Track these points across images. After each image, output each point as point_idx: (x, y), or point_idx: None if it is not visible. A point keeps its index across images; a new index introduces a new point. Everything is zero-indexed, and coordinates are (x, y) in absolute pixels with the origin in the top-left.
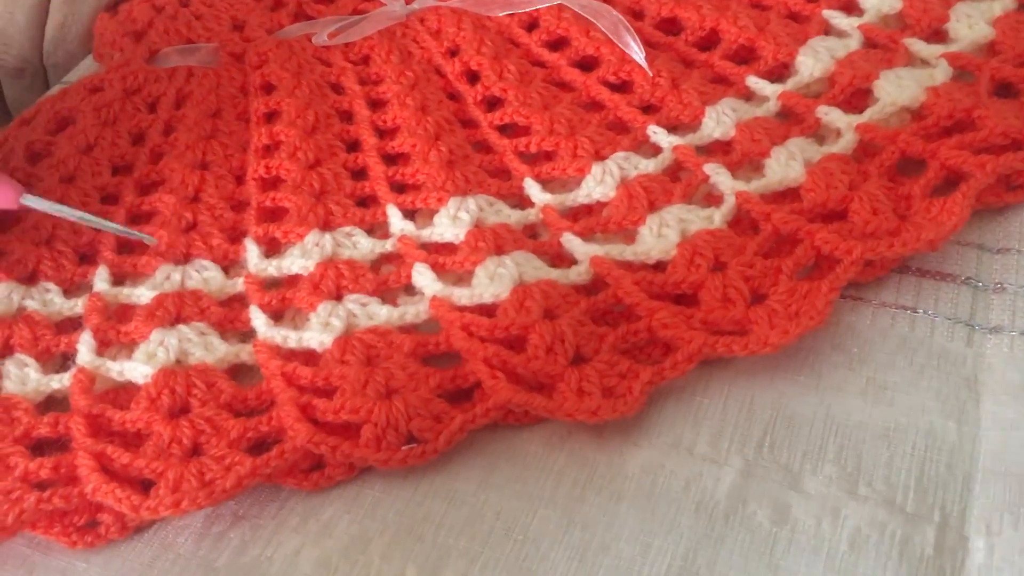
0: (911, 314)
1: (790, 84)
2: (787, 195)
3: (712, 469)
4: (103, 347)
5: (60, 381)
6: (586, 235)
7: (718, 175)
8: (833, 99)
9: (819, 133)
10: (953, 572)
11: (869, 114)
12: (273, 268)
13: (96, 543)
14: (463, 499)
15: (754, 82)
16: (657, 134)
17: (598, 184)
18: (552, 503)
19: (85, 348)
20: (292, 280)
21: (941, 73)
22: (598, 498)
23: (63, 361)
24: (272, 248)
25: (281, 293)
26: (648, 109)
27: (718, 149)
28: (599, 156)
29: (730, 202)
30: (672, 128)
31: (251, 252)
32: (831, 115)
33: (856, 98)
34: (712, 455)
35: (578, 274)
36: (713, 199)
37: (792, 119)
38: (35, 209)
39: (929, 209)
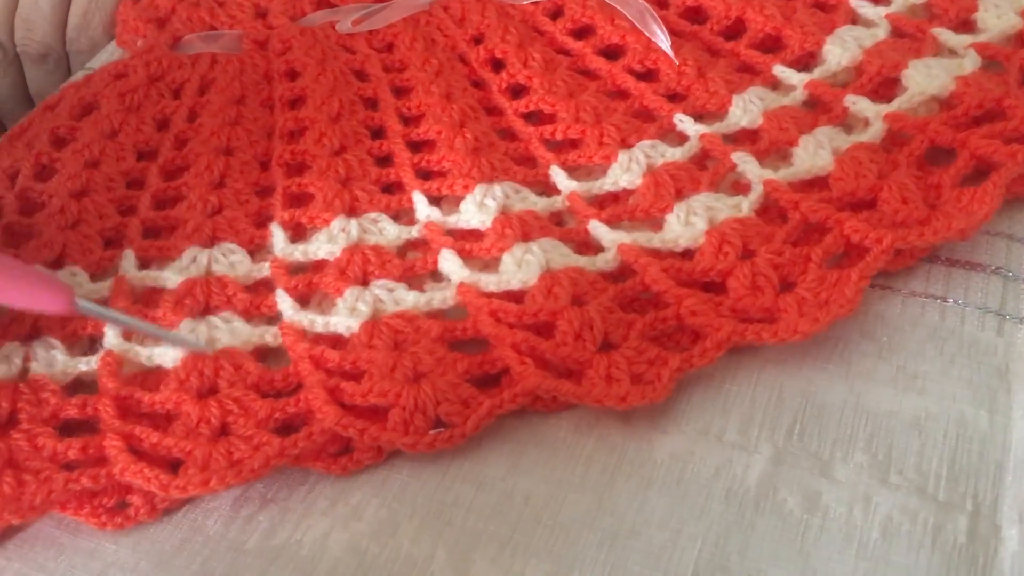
0: (941, 303)
1: (817, 73)
2: (815, 184)
3: (742, 456)
4: (130, 331)
5: (87, 363)
6: (613, 223)
7: (746, 163)
8: (861, 88)
9: (847, 122)
10: (986, 560)
11: (898, 103)
12: (299, 253)
13: (125, 524)
14: (492, 484)
15: (781, 71)
16: (684, 122)
17: (624, 172)
18: (581, 489)
19: (112, 332)
20: (318, 265)
21: (970, 63)
22: (627, 484)
23: (90, 344)
24: (298, 233)
25: (307, 278)
26: (674, 98)
27: (745, 138)
28: (625, 144)
29: (758, 190)
30: (699, 117)
31: (277, 237)
32: (859, 104)
33: (884, 88)
34: (742, 442)
35: (605, 261)
36: (741, 188)
37: (819, 108)
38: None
39: (959, 198)
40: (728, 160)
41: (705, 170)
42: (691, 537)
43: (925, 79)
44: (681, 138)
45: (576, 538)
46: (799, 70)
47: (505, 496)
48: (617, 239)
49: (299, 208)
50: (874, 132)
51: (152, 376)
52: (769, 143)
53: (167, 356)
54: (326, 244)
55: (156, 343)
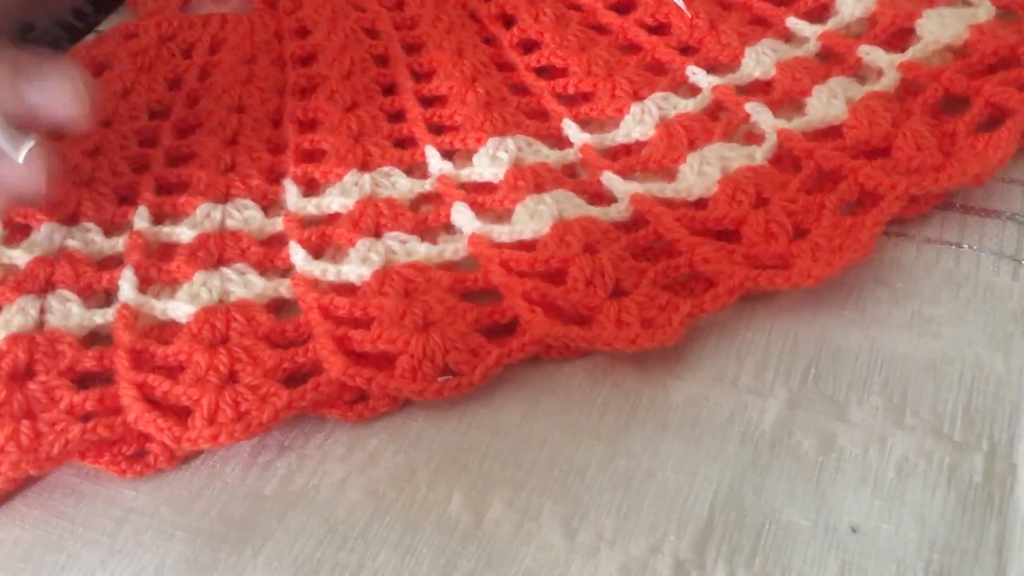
0: (956, 249)
1: (830, 24)
2: (829, 134)
3: (757, 401)
4: (145, 285)
5: (103, 316)
6: (626, 174)
7: (759, 113)
8: (875, 38)
9: (860, 73)
10: (1002, 498)
11: (911, 52)
12: (312, 207)
13: (145, 472)
14: (507, 430)
15: (793, 23)
16: (696, 75)
17: (637, 124)
18: (597, 434)
19: (128, 285)
20: (331, 218)
21: (983, 12)
22: (643, 429)
23: (106, 298)
24: (311, 188)
25: (320, 230)
26: (686, 51)
27: (758, 89)
28: (637, 96)
29: (771, 140)
30: (711, 69)
31: (290, 191)
32: (873, 54)
33: (897, 37)
34: (757, 387)
35: (618, 211)
36: (754, 138)
37: (832, 59)
38: None
39: (974, 145)
40: (741, 111)
41: (718, 121)
42: (706, 478)
43: (939, 28)
44: (693, 90)
45: (592, 481)
46: (812, 22)
47: (521, 442)
48: (630, 189)
49: (312, 163)
50: (888, 82)
51: (166, 329)
52: (782, 93)
53: (180, 311)
54: (339, 198)
55: (171, 297)
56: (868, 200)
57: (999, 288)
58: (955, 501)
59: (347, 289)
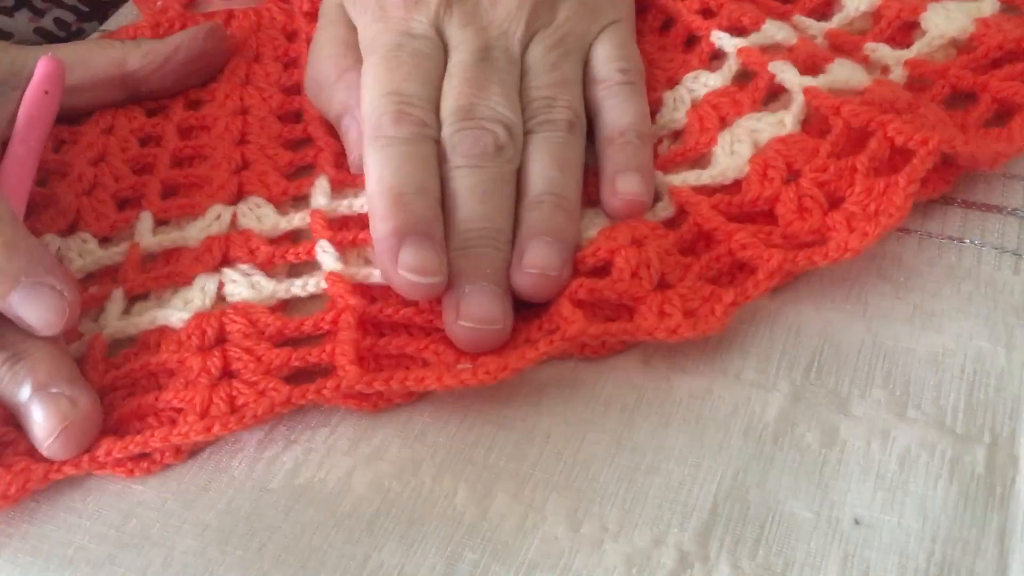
0: (958, 244)
1: (835, 21)
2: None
3: (760, 394)
4: (133, 303)
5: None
6: (667, 169)
7: (784, 72)
8: (880, 34)
9: (867, 70)
10: (1004, 490)
11: (917, 48)
12: (344, 207)
13: (152, 469)
14: (512, 425)
15: (799, 20)
16: (721, 39)
17: (672, 112)
18: (601, 428)
19: (114, 308)
20: (360, 220)
21: (988, 5)
22: (647, 423)
23: (96, 314)
24: (339, 188)
25: (354, 233)
26: (707, 13)
27: (781, 51)
28: (669, 85)
29: (799, 101)
30: (735, 31)
31: (320, 189)
32: (879, 51)
33: (902, 33)
34: (760, 381)
35: (663, 208)
36: (782, 101)
37: (840, 55)
38: None
39: (986, 136)
40: (766, 71)
41: (745, 89)
42: (710, 471)
43: (944, 21)
44: (719, 56)
45: (596, 474)
46: (818, 20)
47: (525, 435)
48: (667, 182)
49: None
50: (895, 79)
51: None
52: (806, 55)
53: (173, 317)
54: None
55: (161, 307)
56: (899, 164)
57: (1000, 282)
58: (957, 493)
59: (381, 290)
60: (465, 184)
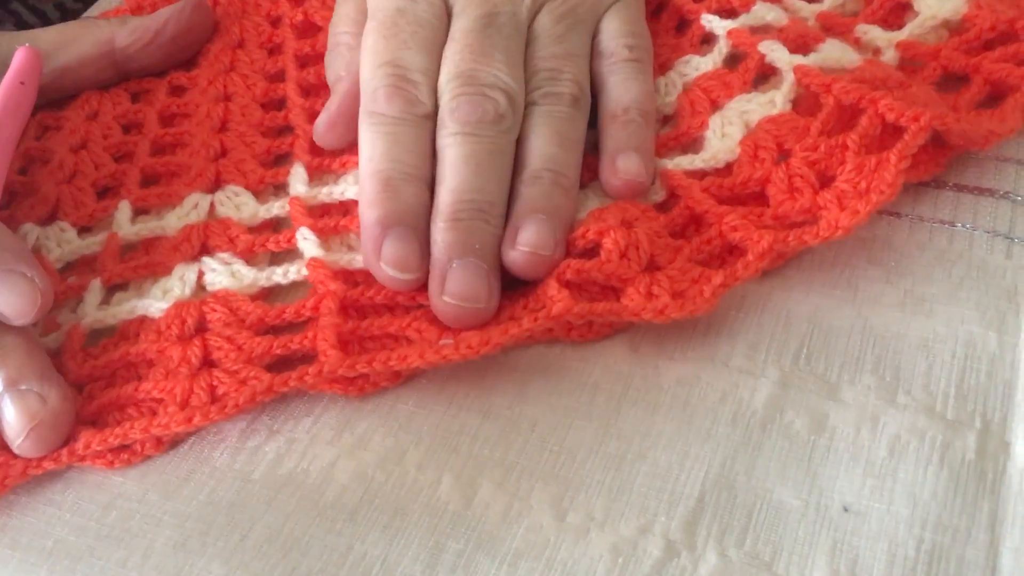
0: (949, 228)
1: (827, 3)
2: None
3: (748, 381)
4: (112, 293)
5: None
6: (660, 153)
7: (774, 51)
8: (871, 16)
9: (859, 52)
10: (995, 476)
11: (909, 29)
12: (324, 195)
13: (133, 460)
14: (497, 412)
15: (791, 2)
16: (711, 22)
17: (664, 97)
18: (588, 415)
19: (91, 297)
20: (342, 207)
21: None
22: (634, 410)
23: (76, 304)
24: (317, 175)
25: (335, 220)
26: None
27: (771, 31)
28: (662, 70)
29: (789, 79)
30: (725, 13)
31: (297, 177)
32: (871, 33)
33: (894, 14)
34: (748, 367)
35: (655, 191)
36: (772, 82)
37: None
38: None
39: (979, 117)
40: (756, 52)
41: (735, 71)
42: (697, 459)
43: (937, 2)
44: (710, 39)
45: (582, 462)
46: (809, 1)
47: (511, 424)
48: (660, 165)
49: (327, 156)
50: (887, 61)
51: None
52: (797, 35)
53: (153, 307)
54: (353, 186)
55: (140, 296)
56: (889, 142)
57: (992, 266)
58: (947, 479)
59: (363, 274)
60: (460, 153)
